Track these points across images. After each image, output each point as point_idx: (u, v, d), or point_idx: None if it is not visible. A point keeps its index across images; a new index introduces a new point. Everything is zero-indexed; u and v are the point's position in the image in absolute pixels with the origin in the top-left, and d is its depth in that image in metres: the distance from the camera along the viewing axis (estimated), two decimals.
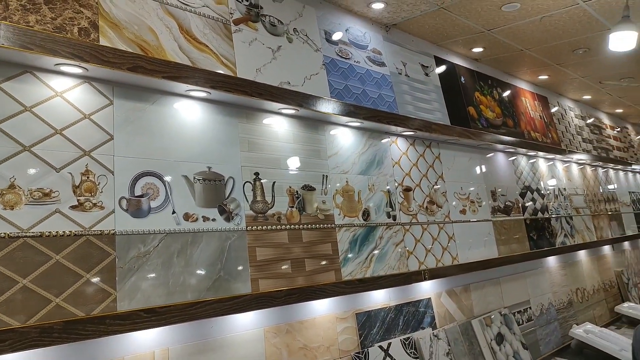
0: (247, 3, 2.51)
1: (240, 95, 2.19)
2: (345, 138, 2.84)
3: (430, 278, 2.96)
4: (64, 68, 1.76)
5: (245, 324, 2.18)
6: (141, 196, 1.90)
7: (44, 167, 1.68)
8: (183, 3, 2.22)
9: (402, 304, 2.93)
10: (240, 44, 2.39)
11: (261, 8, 2.57)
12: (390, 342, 2.72)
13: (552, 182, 4.91)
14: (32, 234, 1.60)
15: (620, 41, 2.97)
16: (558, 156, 5.00)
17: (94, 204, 1.77)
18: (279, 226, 2.34)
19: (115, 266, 1.76)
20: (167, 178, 1.99)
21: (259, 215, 2.28)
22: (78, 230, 1.70)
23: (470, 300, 3.48)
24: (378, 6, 3.09)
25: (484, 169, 3.96)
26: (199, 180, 2.09)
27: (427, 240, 3.15)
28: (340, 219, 2.65)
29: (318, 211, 2.55)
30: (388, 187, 3.01)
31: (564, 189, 5.11)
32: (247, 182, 2.27)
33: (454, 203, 3.50)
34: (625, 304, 5.35)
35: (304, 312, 2.43)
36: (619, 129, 7.20)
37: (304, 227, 2.44)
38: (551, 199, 4.77)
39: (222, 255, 2.07)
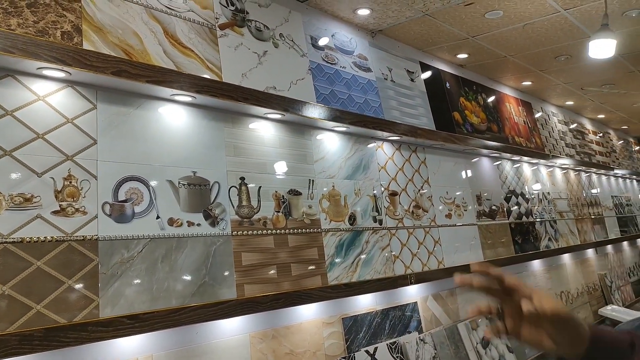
0: (232, 8, 2.51)
1: (226, 99, 2.19)
2: (331, 143, 2.84)
3: (416, 282, 2.98)
4: (46, 72, 1.74)
5: (231, 329, 2.17)
6: (125, 201, 1.89)
7: (25, 172, 1.66)
8: (168, 7, 2.22)
9: (388, 309, 2.93)
10: (226, 49, 2.39)
11: (247, 13, 2.57)
12: (377, 347, 2.72)
13: (536, 187, 4.97)
14: (12, 240, 1.58)
15: (600, 49, 3.03)
16: (542, 161, 5.07)
17: (77, 209, 1.75)
18: (265, 231, 2.33)
19: (97, 272, 1.74)
20: (152, 183, 1.98)
21: (245, 220, 2.27)
22: (60, 236, 1.68)
23: (457, 304, 3.50)
24: (364, 12, 3.12)
25: (469, 174, 3.99)
26: (183, 185, 2.08)
27: (413, 245, 3.17)
28: (327, 223, 2.65)
29: (304, 216, 2.55)
30: (374, 192, 3.02)
31: (548, 193, 5.18)
32: (232, 186, 2.26)
33: (440, 207, 3.52)
34: (609, 307, 5.42)
35: (290, 317, 2.42)
36: (601, 134, 7.32)
37: (290, 232, 2.44)
38: (535, 203, 4.83)
39: (207, 261, 2.06)
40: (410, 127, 3.26)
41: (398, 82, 3.49)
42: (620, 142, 8.12)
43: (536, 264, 4.64)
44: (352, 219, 2.82)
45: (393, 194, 3.16)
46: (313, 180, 2.66)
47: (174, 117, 2.12)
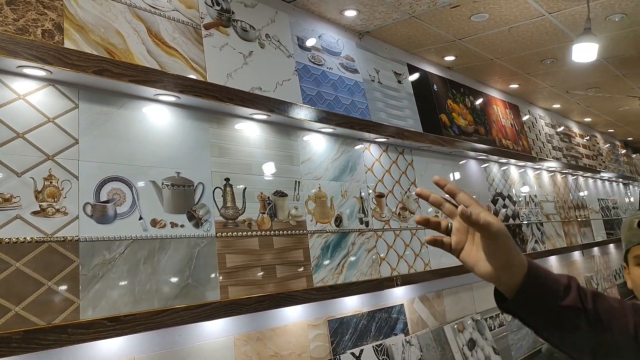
0: (218, 8, 2.50)
1: (211, 100, 2.17)
2: (318, 144, 2.84)
3: (402, 284, 2.98)
4: (26, 70, 1.72)
5: (215, 331, 2.15)
6: (107, 202, 1.86)
7: (4, 172, 1.63)
8: (152, 7, 2.20)
9: (374, 311, 2.93)
10: (211, 49, 2.38)
11: (233, 13, 2.57)
12: (363, 349, 2.71)
13: (523, 189, 5.01)
14: None
15: (582, 53, 3.06)
16: (529, 163, 5.10)
17: (57, 210, 1.72)
18: (250, 232, 2.32)
19: (78, 273, 1.71)
20: (135, 183, 1.96)
21: (229, 221, 2.26)
22: (40, 237, 1.66)
23: (443, 306, 3.51)
24: (351, 13, 3.12)
25: (456, 176, 4.01)
26: (167, 185, 2.06)
27: (400, 247, 3.17)
28: (313, 225, 2.65)
29: (290, 217, 2.54)
30: (361, 194, 3.02)
31: (535, 195, 5.21)
32: (217, 187, 2.25)
33: (427, 210, 3.53)
34: None
35: (275, 319, 2.40)
36: (588, 137, 7.40)
37: (275, 234, 2.43)
38: (522, 206, 4.86)
39: (190, 262, 2.04)
40: (398, 129, 3.27)
41: (385, 84, 3.50)
42: (607, 145, 8.22)
43: None
44: (339, 220, 2.81)
45: (380, 196, 3.17)
46: (299, 182, 2.65)
47: (157, 117, 2.11)
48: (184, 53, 2.25)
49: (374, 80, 3.40)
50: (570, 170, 6.14)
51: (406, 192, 3.39)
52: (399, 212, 3.27)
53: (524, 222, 4.76)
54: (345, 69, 3.19)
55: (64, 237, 1.71)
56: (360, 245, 2.88)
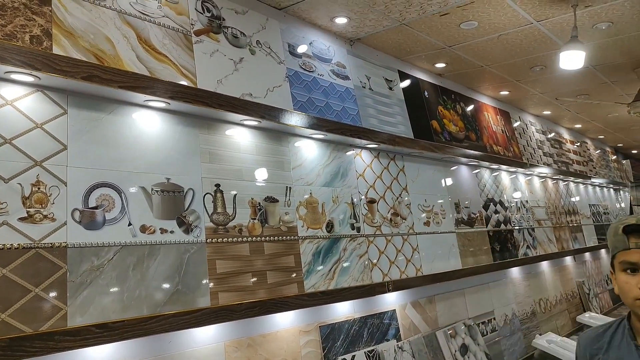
0: (208, 15, 2.51)
1: (201, 106, 2.18)
2: (309, 150, 2.85)
3: (394, 290, 2.98)
4: (14, 76, 1.72)
5: (205, 338, 2.13)
6: (95, 208, 1.86)
7: None
8: (142, 13, 2.20)
9: (366, 316, 2.92)
10: (201, 55, 2.39)
11: (223, 20, 2.57)
12: (355, 355, 2.70)
13: (514, 195, 5.04)
14: None
15: (570, 60, 3.10)
16: (520, 169, 5.14)
17: (45, 216, 1.71)
18: (240, 238, 2.31)
19: (66, 280, 1.70)
20: (124, 189, 1.95)
21: (220, 227, 2.25)
22: (27, 243, 1.64)
23: (435, 311, 3.51)
24: (341, 20, 3.14)
25: (448, 182, 4.03)
26: (157, 191, 2.06)
27: (391, 252, 3.17)
28: (304, 230, 2.64)
29: (281, 223, 2.53)
30: (352, 199, 3.03)
31: (526, 201, 5.24)
32: (207, 193, 2.24)
33: (418, 215, 3.54)
34: (587, 314, 5.49)
35: (266, 325, 2.39)
36: (578, 144, 7.47)
37: (266, 239, 2.43)
38: (514, 211, 4.88)
39: (180, 268, 2.03)
40: (389, 135, 3.29)
41: (376, 91, 3.52)
42: (597, 151, 8.29)
43: (515, 272, 4.68)
44: (330, 226, 2.81)
45: (371, 202, 3.17)
46: (290, 188, 2.65)
47: (147, 123, 2.10)
48: (174, 59, 2.25)
49: (365, 87, 3.42)
50: (561, 176, 6.19)
51: (397, 198, 3.40)
52: (391, 218, 3.28)
53: (516, 228, 4.78)
54: (336, 76, 3.20)
55: (51, 243, 1.70)
56: (352, 250, 2.88)
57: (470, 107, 4.68)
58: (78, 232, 1.78)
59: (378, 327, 2.95)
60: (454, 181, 4.11)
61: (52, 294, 1.66)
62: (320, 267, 2.65)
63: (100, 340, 1.66)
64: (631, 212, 9.07)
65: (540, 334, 4.51)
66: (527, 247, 4.86)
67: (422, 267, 3.37)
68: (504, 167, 4.82)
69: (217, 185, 2.30)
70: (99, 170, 1.90)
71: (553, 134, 6.63)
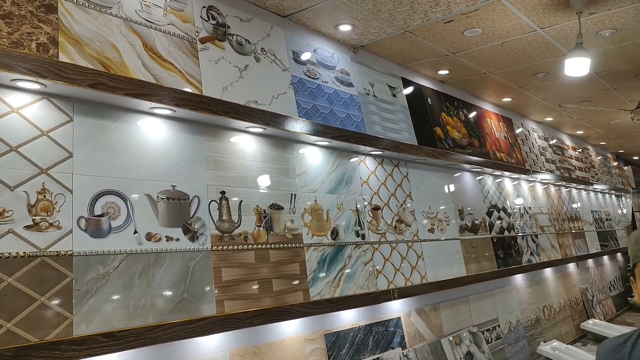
0: (214, 22, 2.51)
1: (206, 113, 2.17)
2: (313, 157, 2.84)
3: (399, 297, 2.96)
4: (21, 84, 1.71)
5: (211, 347, 2.12)
6: (101, 215, 1.85)
7: None
8: (148, 21, 2.21)
9: (371, 324, 2.90)
10: (207, 62, 2.38)
11: (228, 27, 2.58)
12: None
13: (517, 201, 5.02)
14: None
15: (574, 67, 3.10)
16: (523, 176, 5.13)
17: (51, 224, 1.70)
18: (246, 246, 2.30)
19: (72, 288, 1.69)
20: (129, 197, 1.94)
21: (225, 234, 2.24)
22: (33, 252, 1.63)
23: (440, 319, 3.49)
24: (345, 28, 3.15)
25: (451, 188, 4.02)
26: (162, 199, 2.05)
27: (396, 259, 3.16)
28: (309, 238, 2.63)
29: (286, 230, 2.52)
30: (357, 206, 3.02)
31: (529, 207, 5.23)
32: (212, 201, 2.23)
33: (423, 222, 3.52)
34: (591, 321, 5.45)
35: (272, 333, 2.37)
36: (580, 150, 7.46)
37: (271, 247, 2.41)
38: (517, 218, 4.87)
39: (186, 276, 2.02)
40: (393, 142, 3.28)
41: (380, 97, 3.52)
42: (599, 157, 8.29)
43: (518, 279, 4.66)
44: (335, 233, 2.80)
45: (376, 209, 3.16)
46: (295, 195, 2.64)
47: (153, 131, 2.10)
48: (180, 66, 2.25)
49: (369, 94, 3.42)
50: (564, 183, 6.18)
51: (402, 205, 3.39)
52: (395, 225, 3.26)
53: (519, 234, 4.76)
54: (340, 83, 3.20)
55: (57, 251, 1.69)
56: (357, 258, 2.87)
57: (473, 114, 4.68)
58: (84, 240, 1.77)
59: (383, 334, 2.93)
60: (457, 188, 4.10)
61: (58, 303, 1.64)
62: (326, 275, 2.64)
63: (106, 349, 1.65)
64: (633, 220, 9.04)
65: (544, 341, 4.48)
66: (531, 253, 4.84)
67: (427, 274, 3.36)
68: (507, 173, 4.81)
69: (223, 193, 2.29)
70: (105, 178, 1.89)
71: (555, 141, 6.63)
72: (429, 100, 4.06)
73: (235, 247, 2.26)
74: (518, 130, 5.58)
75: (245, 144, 2.48)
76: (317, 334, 2.59)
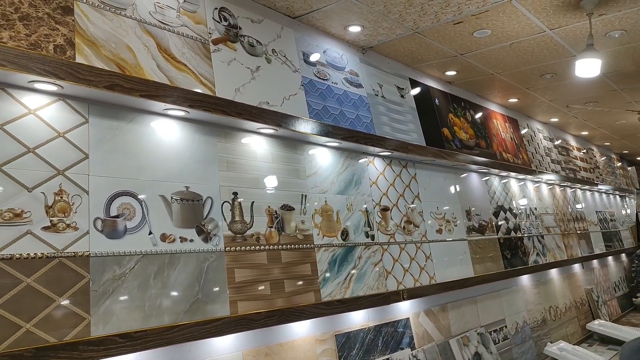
0: (226, 23, 2.52)
1: (220, 114, 2.18)
2: (323, 158, 2.84)
3: (409, 298, 2.96)
4: (38, 85, 1.72)
5: (224, 347, 2.12)
6: (117, 216, 1.85)
7: (15, 187, 1.62)
8: (162, 22, 2.21)
9: (381, 325, 2.91)
10: (219, 64, 2.39)
11: (240, 28, 2.58)
12: None
13: (523, 202, 5.02)
14: (1, 257, 1.53)
15: (585, 68, 3.10)
16: (529, 176, 5.13)
17: (68, 225, 1.71)
18: (258, 247, 2.31)
19: (89, 289, 1.69)
20: (144, 198, 1.95)
21: (238, 235, 2.25)
22: (50, 252, 1.64)
23: (448, 319, 3.49)
24: (355, 29, 3.15)
25: (458, 189, 4.02)
26: (176, 200, 2.06)
27: (405, 260, 3.16)
28: (319, 239, 2.64)
29: (297, 231, 2.53)
30: (366, 207, 3.02)
31: (535, 208, 5.23)
32: (225, 201, 2.24)
33: (430, 222, 3.53)
34: (596, 322, 5.45)
35: (283, 334, 2.38)
36: (585, 151, 7.46)
37: (283, 248, 2.42)
38: (523, 219, 4.87)
39: (200, 277, 2.03)
40: (401, 142, 3.29)
41: (388, 98, 3.52)
42: (603, 158, 8.28)
43: (525, 279, 4.66)
44: (345, 234, 2.80)
45: (385, 209, 3.17)
46: (306, 195, 2.65)
47: (166, 132, 2.11)
48: (193, 68, 2.26)
49: (377, 95, 3.42)
50: (569, 183, 6.17)
51: (410, 206, 3.39)
52: (404, 226, 3.27)
53: (526, 235, 4.76)
54: (349, 84, 3.21)
55: (74, 252, 1.70)
56: (367, 258, 2.87)
57: (479, 115, 4.68)
58: (100, 241, 1.78)
59: (392, 335, 2.94)
60: (464, 188, 4.10)
61: (76, 304, 1.65)
62: (336, 276, 2.64)
63: (123, 350, 1.66)
64: (637, 220, 9.03)
65: (551, 342, 4.48)
66: (537, 254, 4.84)
67: (436, 275, 3.36)
68: (513, 174, 4.81)
69: (235, 194, 2.30)
70: (120, 179, 1.90)
71: (560, 141, 6.62)
72: (437, 101, 4.06)
73: (248, 248, 2.26)
74: (524, 131, 5.58)
75: (257, 145, 2.48)
76: (328, 335, 2.60)
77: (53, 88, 1.75)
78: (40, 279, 1.60)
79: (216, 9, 2.50)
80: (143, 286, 1.84)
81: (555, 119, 6.13)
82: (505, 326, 4.07)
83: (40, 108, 1.76)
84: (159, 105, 2.02)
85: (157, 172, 2.03)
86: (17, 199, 1.62)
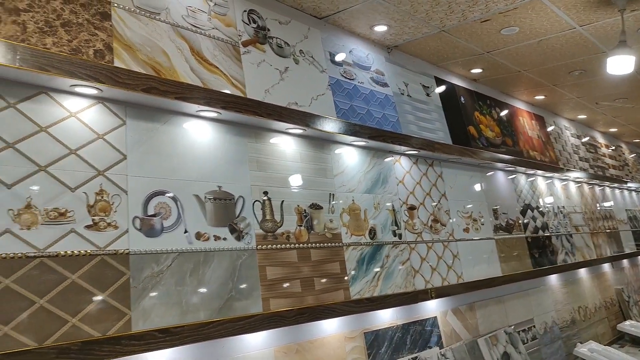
0: (254, 25, 2.56)
1: (250, 115, 2.22)
2: (350, 157, 2.87)
3: (437, 297, 2.96)
4: (78, 89, 1.79)
5: (256, 344, 2.17)
6: (154, 215, 1.91)
7: (59, 187, 1.69)
8: (194, 25, 2.27)
9: (408, 323, 2.91)
10: (249, 65, 2.43)
11: (268, 30, 2.62)
12: None
13: (551, 200, 4.95)
14: (48, 254, 1.60)
15: (618, 65, 3.04)
16: (556, 174, 5.05)
17: (108, 224, 1.77)
18: (288, 245, 2.35)
19: (129, 286, 1.75)
20: (179, 197, 2.00)
21: (269, 234, 2.29)
22: (93, 250, 1.70)
23: (476, 318, 3.47)
24: (381, 28, 3.16)
25: (485, 187, 3.99)
26: (209, 199, 2.10)
27: (433, 259, 3.16)
28: (348, 237, 2.66)
29: (326, 230, 2.56)
30: (393, 206, 3.03)
31: (563, 207, 5.15)
32: (256, 200, 2.28)
33: (457, 221, 3.52)
34: (627, 322, 5.34)
35: (313, 331, 2.41)
36: (613, 148, 7.30)
37: (312, 246, 2.45)
38: (551, 217, 4.80)
39: (233, 275, 2.07)
40: (427, 141, 3.28)
41: (414, 97, 3.52)
42: (632, 155, 8.09)
43: (553, 279, 4.60)
44: (372, 233, 2.82)
45: (411, 208, 3.17)
46: (333, 194, 2.68)
47: (199, 133, 2.16)
48: (224, 70, 2.31)
49: (403, 94, 3.43)
50: (597, 181, 6.06)
51: (437, 204, 3.39)
52: (431, 224, 3.27)
53: (554, 234, 4.70)
54: (375, 83, 3.22)
55: (115, 250, 1.76)
56: (395, 257, 2.88)
57: (505, 112, 4.63)
58: (139, 240, 1.83)
59: (420, 334, 2.94)
60: (491, 187, 4.07)
61: (117, 299, 1.71)
62: (365, 274, 2.66)
63: (162, 345, 1.71)
64: None
65: (581, 342, 4.41)
66: (566, 253, 4.77)
67: (463, 274, 3.35)
68: (539, 172, 4.75)
69: (265, 193, 2.34)
70: (156, 179, 1.96)
71: (588, 138, 6.50)
72: (462, 99, 4.04)
73: (279, 246, 2.30)
74: (550, 128, 5.50)
75: (285, 144, 2.52)
76: (357, 333, 2.62)
77: (93, 91, 1.82)
78: (84, 275, 1.66)
79: (245, 11, 2.55)
80: (180, 283, 1.89)
81: (583, 116, 6.02)
82: (534, 326, 4.03)
83: (81, 111, 1.82)
84: (192, 107, 2.07)
85: (191, 172, 2.08)
86: (61, 199, 1.68)
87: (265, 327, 2.05)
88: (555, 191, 5.14)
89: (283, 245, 2.32)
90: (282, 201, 2.40)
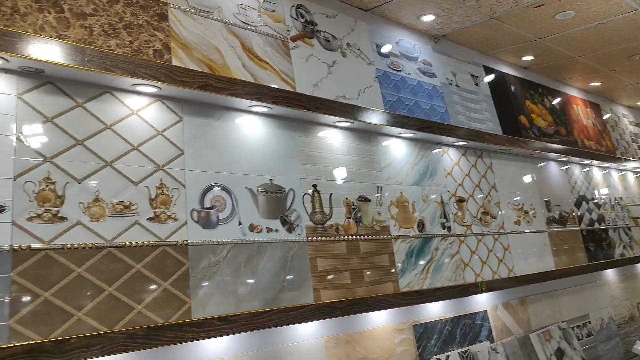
0: (302, 20, 2.59)
1: (300, 109, 2.26)
2: (397, 149, 2.86)
3: (487, 290, 2.92)
4: (139, 88, 1.88)
5: (306, 334, 2.22)
6: (210, 208, 1.98)
7: (123, 182, 1.79)
8: (244, 22, 2.32)
9: (458, 316, 2.89)
10: (298, 60, 2.47)
11: (316, 24, 2.64)
12: (449, 355, 2.69)
13: (607, 192, 4.75)
14: (115, 245, 1.70)
15: None
16: (613, 164, 4.84)
17: (169, 216, 1.86)
18: (338, 237, 2.38)
19: (189, 275, 1.84)
20: (233, 190, 2.07)
21: (318, 226, 2.32)
22: (155, 241, 1.79)
23: (527, 313, 3.40)
24: (428, 18, 3.12)
25: (536, 179, 3.88)
26: (262, 192, 2.16)
27: (483, 252, 3.11)
28: (396, 230, 2.66)
29: (374, 222, 2.57)
30: (441, 198, 3.00)
31: (621, 198, 4.93)
32: (306, 193, 2.32)
33: (508, 213, 3.44)
34: None
35: (362, 322, 2.44)
36: None
37: (361, 238, 2.47)
38: (607, 209, 4.61)
39: (285, 266, 2.13)
40: (477, 131, 3.22)
41: (463, 87, 3.46)
42: None
43: (610, 273, 4.42)
44: (421, 225, 2.81)
45: (460, 200, 3.13)
46: (381, 187, 2.68)
47: (250, 128, 2.22)
48: (275, 65, 2.35)
49: (451, 84, 3.37)
50: None
51: (487, 196, 3.33)
52: (480, 217, 3.21)
53: (611, 227, 4.51)
54: (423, 74, 3.19)
55: (175, 241, 1.84)
56: (444, 250, 2.86)
57: (558, 100, 4.47)
58: (196, 231, 1.91)
59: (470, 327, 2.92)
60: (543, 178, 3.95)
61: (178, 288, 1.80)
62: (414, 266, 2.66)
63: (220, 332, 1.78)
64: None
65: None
66: (624, 247, 4.57)
67: (514, 268, 3.28)
68: (595, 162, 4.55)
69: (314, 186, 2.38)
70: (211, 173, 2.03)
71: None
72: (512, 87, 3.93)
73: (328, 238, 2.34)
74: (606, 116, 5.25)
75: (333, 138, 2.54)
76: (405, 325, 2.63)
77: (152, 90, 1.90)
78: (148, 265, 1.75)
79: (293, 6, 2.58)
80: (235, 273, 1.96)
81: None
82: (589, 322, 3.90)
83: (142, 109, 1.91)
84: (244, 103, 2.13)
85: (244, 166, 2.14)
86: (125, 193, 1.78)
87: (316, 317, 2.09)
88: (612, 182, 4.92)
89: (332, 237, 2.35)
90: (331, 194, 2.43)
